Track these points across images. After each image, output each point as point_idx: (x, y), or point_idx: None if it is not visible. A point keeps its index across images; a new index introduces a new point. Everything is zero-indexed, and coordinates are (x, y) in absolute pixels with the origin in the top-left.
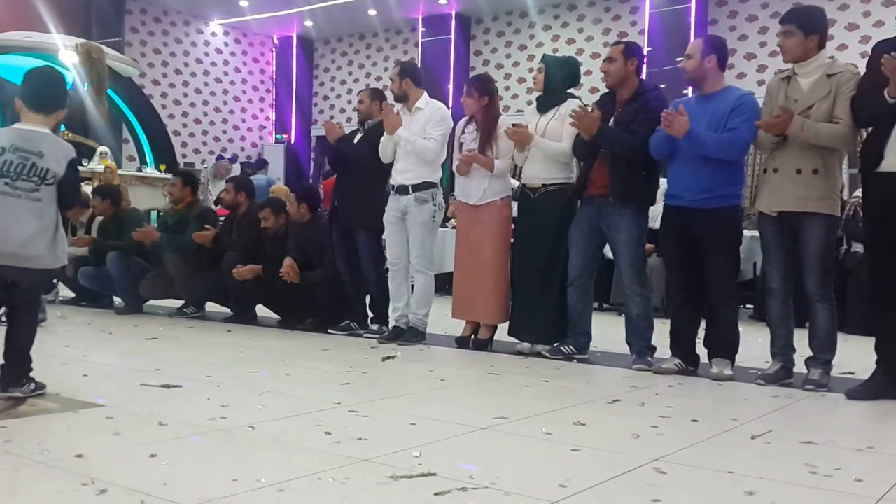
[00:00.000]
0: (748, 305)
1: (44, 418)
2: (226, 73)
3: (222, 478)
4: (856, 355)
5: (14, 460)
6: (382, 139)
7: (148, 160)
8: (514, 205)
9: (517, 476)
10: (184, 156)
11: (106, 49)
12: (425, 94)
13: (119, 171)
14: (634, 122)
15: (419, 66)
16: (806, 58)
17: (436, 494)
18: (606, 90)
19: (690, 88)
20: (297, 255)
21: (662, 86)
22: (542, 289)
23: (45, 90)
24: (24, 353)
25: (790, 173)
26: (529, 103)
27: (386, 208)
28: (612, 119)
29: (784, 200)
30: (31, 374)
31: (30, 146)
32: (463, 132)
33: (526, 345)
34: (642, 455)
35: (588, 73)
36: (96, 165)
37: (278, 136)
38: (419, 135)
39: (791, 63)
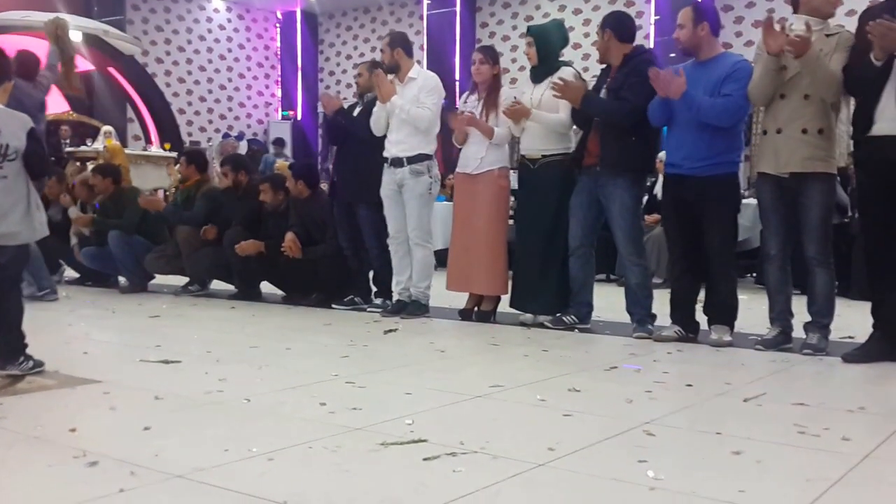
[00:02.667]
0: (753, 274)
1: (40, 395)
2: (229, 50)
3: (214, 448)
4: (857, 320)
5: (8, 436)
6: (375, 109)
7: (153, 139)
8: (513, 177)
9: (507, 441)
10: (189, 134)
11: (107, 27)
12: (417, 64)
13: (125, 151)
14: (622, 87)
15: (425, 39)
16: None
17: (425, 459)
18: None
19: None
20: (299, 230)
21: (672, 55)
22: (544, 260)
23: None
24: (15, 329)
25: (795, 133)
26: None
27: (382, 182)
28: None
29: (791, 161)
30: (29, 352)
31: None
32: (465, 103)
33: (528, 316)
34: (633, 419)
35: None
36: (100, 145)
37: (284, 113)
38: (413, 104)
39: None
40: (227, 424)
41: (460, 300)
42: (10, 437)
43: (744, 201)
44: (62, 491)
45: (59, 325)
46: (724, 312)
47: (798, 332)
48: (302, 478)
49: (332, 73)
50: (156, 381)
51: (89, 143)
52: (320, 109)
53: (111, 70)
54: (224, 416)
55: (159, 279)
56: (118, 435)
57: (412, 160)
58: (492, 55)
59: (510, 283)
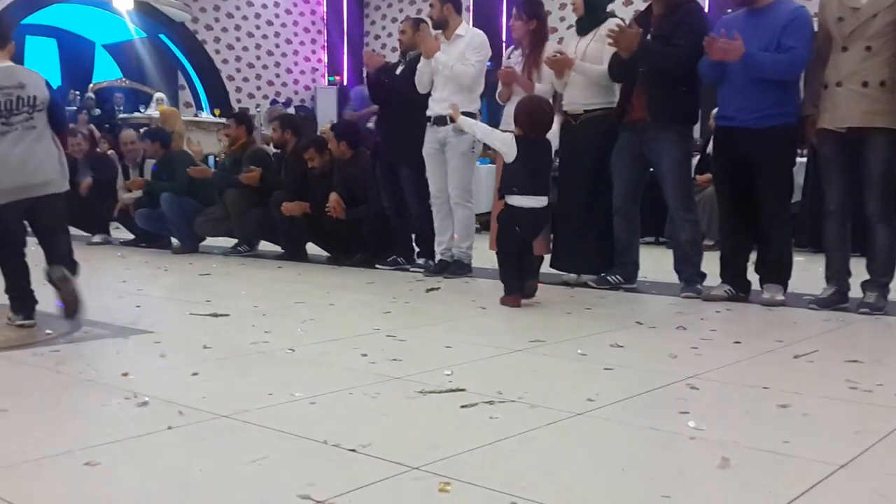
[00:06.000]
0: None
1: (95, 343)
2: (277, 16)
3: (258, 392)
4: None
5: (63, 378)
6: (419, 66)
7: (203, 105)
8: None
9: (545, 391)
10: (238, 101)
11: None
12: (465, 22)
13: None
14: (675, 35)
15: None
16: None
17: (462, 407)
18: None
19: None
20: (343, 191)
21: (728, 10)
22: (587, 219)
23: None
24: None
25: (856, 86)
26: None
27: (424, 141)
28: (648, 35)
29: (850, 116)
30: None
31: (9, 81)
32: (509, 58)
33: (572, 275)
34: (677, 373)
35: None
36: (153, 111)
37: (331, 79)
38: (458, 61)
39: None
40: (271, 371)
41: None
42: (66, 379)
43: None
44: (113, 427)
45: (114, 281)
46: (777, 271)
47: (855, 291)
48: (342, 420)
49: (377, 37)
50: (205, 331)
51: (142, 110)
52: (365, 73)
53: (162, 37)
54: (269, 364)
55: (209, 240)
56: (168, 379)
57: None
58: (527, 10)
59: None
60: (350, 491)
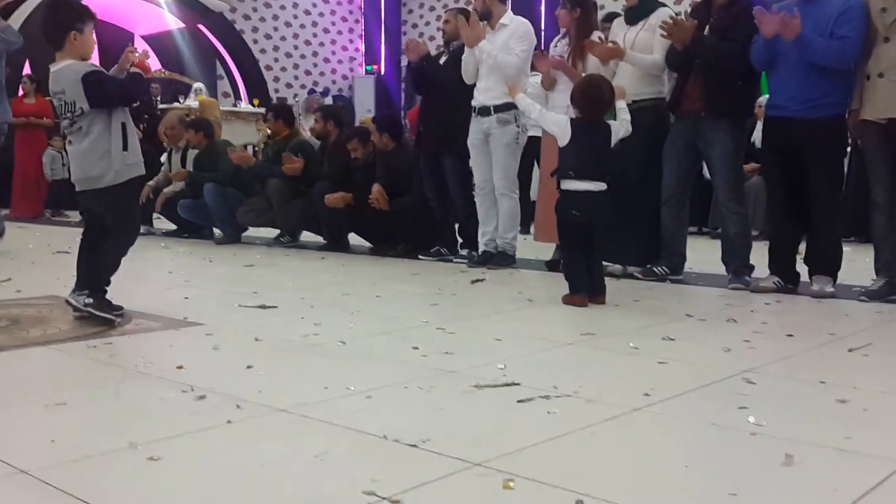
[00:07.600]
0: None
1: (147, 335)
2: (314, 5)
3: (314, 386)
4: None
5: (119, 371)
6: (464, 56)
7: (241, 95)
8: None
9: (601, 386)
10: (276, 90)
11: None
12: (510, 11)
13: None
14: (731, 28)
15: None
16: None
17: (518, 402)
18: None
19: None
20: (386, 182)
21: None
22: (634, 210)
23: (44, 24)
24: (97, 272)
25: None
26: None
27: (469, 131)
28: (706, 26)
29: (891, 107)
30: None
31: (57, 87)
32: (555, 46)
33: (618, 267)
34: (732, 367)
35: None
36: (192, 102)
37: (368, 68)
38: (502, 50)
39: None
40: (325, 365)
41: (546, 251)
42: (122, 372)
43: None
44: (174, 421)
45: (160, 272)
46: (826, 262)
47: None
48: (399, 414)
49: (415, 26)
50: (255, 324)
51: (181, 100)
52: (403, 63)
53: (201, 27)
54: (322, 357)
55: (251, 231)
56: (223, 372)
57: (499, 108)
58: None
59: None
60: (415, 487)
